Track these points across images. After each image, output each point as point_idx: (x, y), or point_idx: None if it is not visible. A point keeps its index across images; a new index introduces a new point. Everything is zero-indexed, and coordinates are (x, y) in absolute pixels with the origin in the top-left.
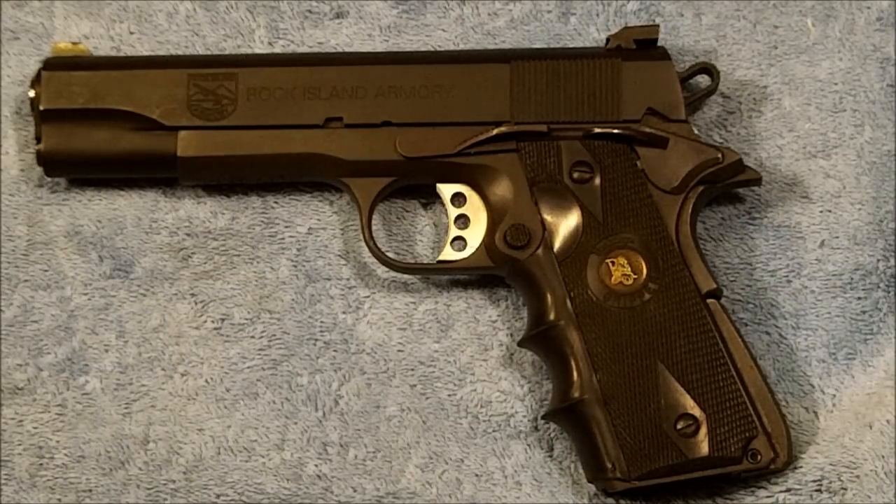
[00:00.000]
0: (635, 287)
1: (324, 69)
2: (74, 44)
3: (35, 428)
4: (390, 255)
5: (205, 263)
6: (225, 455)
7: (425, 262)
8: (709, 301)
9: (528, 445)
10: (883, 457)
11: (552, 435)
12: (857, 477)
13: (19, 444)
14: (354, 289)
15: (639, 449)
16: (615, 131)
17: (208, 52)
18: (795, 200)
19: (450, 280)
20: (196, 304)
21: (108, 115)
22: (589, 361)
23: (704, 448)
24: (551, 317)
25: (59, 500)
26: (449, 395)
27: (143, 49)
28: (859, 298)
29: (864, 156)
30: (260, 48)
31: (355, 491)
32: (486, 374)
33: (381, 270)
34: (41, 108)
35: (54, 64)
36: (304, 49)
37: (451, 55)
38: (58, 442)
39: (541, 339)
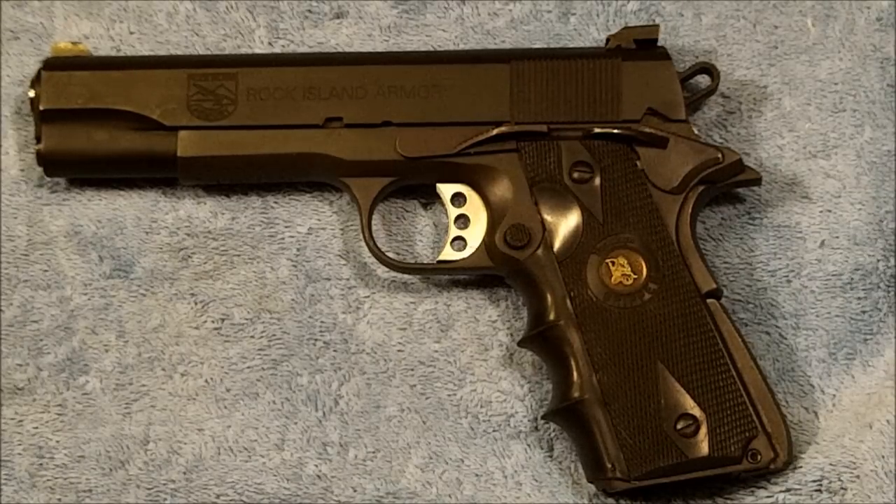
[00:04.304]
0: (635, 287)
1: (324, 69)
2: (74, 44)
3: (35, 428)
4: (390, 255)
5: (205, 263)
6: (225, 455)
7: (425, 262)
8: (709, 301)
9: (528, 445)
10: (883, 457)
11: (552, 435)
12: (857, 477)
13: (19, 444)
14: (354, 289)
15: (639, 449)
16: (615, 131)
17: (208, 52)
18: (795, 200)
19: (450, 280)
20: (196, 304)
21: (108, 115)
22: (589, 361)
23: (704, 448)
24: (551, 317)
25: (59, 500)
26: (449, 395)
27: (143, 49)
28: (859, 298)
29: (864, 156)
30: (260, 48)
31: (355, 491)
32: (486, 374)
33: (381, 270)
34: (41, 108)
35: (54, 64)
36: (304, 49)
37: (451, 55)
38: (58, 442)
39: (541, 339)
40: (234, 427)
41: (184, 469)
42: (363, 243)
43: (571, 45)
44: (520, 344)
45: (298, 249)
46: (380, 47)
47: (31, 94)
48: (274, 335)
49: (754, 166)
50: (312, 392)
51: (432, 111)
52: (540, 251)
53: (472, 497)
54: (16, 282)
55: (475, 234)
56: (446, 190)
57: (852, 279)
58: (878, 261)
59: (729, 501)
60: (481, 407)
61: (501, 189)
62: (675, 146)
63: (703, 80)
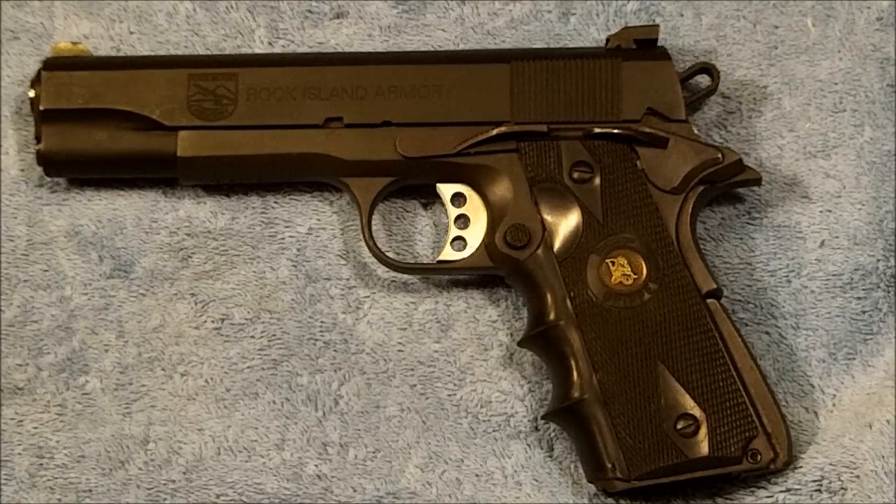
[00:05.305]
0: (635, 287)
1: (324, 69)
2: (74, 44)
3: (35, 428)
4: (390, 255)
5: (205, 263)
6: (225, 455)
7: (425, 262)
8: (709, 301)
9: (528, 445)
10: (883, 457)
11: (552, 435)
12: (857, 477)
13: (19, 444)
14: (354, 289)
15: (639, 449)
16: (615, 131)
17: (208, 52)
18: (795, 200)
19: (450, 280)
20: (196, 304)
21: (108, 115)
22: (589, 361)
23: (704, 448)
24: (551, 317)
25: (59, 500)
26: (449, 395)
27: (143, 49)
28: (859, 298)
29: (864, 156)
30: (260, 48)
31: (355, 491)
32: (486, 374)
33: (381, 270)
34: (41, 108)
35: (54, 64)
36: (304, 49)
37: (451, 55)
38: (58, 442)
39: (541, 339)
40: (234, 427)
41: (184, 469)
42: (363, 243)
43: (571, 45)
44: (520, 344)
45: (298, 249)
46: (380, 47)
47: (31, 94)
48: (274, 335)
49: (754, 166)
50: (312, 392)
51: (432, 111)
52: (540, 251)
53: (472, 497)
54: (16, 282)
55: (475, 234)
56: (446, 190)
57: (852, 279)
58: (878, 261)
59: (729, 501)
60: (481, 407)
61: (501, 189)
62: (675, 146)
63: (703, 80)
